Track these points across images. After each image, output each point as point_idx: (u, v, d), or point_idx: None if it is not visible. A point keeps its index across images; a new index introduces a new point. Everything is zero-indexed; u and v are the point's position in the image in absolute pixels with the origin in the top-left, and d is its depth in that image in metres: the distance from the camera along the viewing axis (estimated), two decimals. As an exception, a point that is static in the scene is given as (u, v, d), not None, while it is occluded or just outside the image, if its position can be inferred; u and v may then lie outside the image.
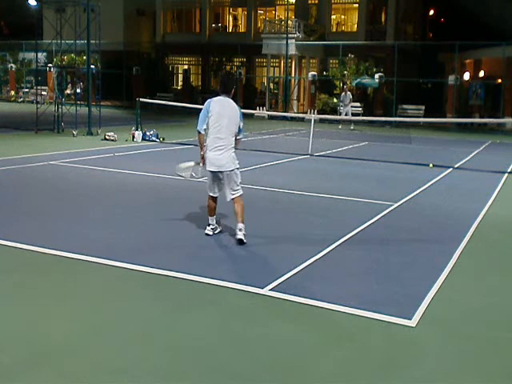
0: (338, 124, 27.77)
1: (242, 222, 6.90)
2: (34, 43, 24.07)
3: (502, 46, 30.42)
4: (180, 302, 5.17)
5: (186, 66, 45.02)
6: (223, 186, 7.10)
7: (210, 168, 7.10)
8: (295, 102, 37.36)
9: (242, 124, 7.11)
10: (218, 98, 7.09)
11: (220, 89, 7.17)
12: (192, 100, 36.33)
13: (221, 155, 6.99)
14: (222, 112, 6.99)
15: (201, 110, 7.42)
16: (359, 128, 26.89)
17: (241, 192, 7.13)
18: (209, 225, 7.33)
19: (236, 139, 7.10)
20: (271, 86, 37.66)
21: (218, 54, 40.97)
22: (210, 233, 7.28)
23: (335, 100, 33.06)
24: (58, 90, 21.29)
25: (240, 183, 7.13)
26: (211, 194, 7.24)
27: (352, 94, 33.09)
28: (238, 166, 7.10)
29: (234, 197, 7.07)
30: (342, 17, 42.52)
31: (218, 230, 7.40)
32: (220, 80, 7.44)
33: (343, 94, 27.37)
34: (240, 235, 6.85)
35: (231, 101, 7.07)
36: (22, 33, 40.84)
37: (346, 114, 26.33)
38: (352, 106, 31.06)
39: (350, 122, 26.85)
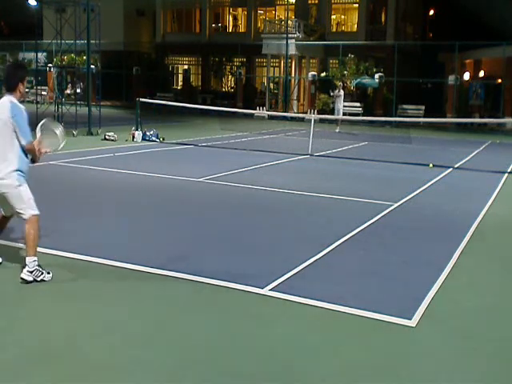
0: (335, 126, 25.94)
1: (30, 255, 5.47)
2: (34, 43, 24.07)
3: (502, 46, 30.43)
4: (180, 301, 5.17)
5: (186, 66, 45.03)
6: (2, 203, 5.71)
7: None
8: (295, 101, 37.36)
9: (18, 126, 5.40)
10: (2, 99, 5.58)
11: (4, 86, 5.61)
12: (192, 100, 36.37)
13: None
14: None
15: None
16: (354, 129, 25.94)
17: (30, 212, 5.54)
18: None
19: (22, 147, 5.48)
20: (271, 85, 37.66)
21: (218, 54, 40.98)
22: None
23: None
24: (58, 89, 21.33)
25: (29, 200, 5.57)
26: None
27: (352, 94, 33.10)
28: (17, 184, 5.45)
29: (21, 216, 5.61)
30: (342, 17, 42.52)
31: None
32: (4, 74, 5.75)
33: (336, 91, 25.82)
34: (24, 274, 5.46)
35: (5, 99, 5.51)
36: (22, 33, 40.81)
37: (337, 113, 24.96)
38: (351, 106, 30.96)
39: (337, 121, 25.41)
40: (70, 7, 21.20)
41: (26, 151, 5.52)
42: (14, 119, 5.39)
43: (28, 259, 5.46)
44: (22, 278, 5.44)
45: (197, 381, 3.84)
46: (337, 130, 25.08)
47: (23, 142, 5.45)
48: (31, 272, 5.45)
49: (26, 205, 5.55)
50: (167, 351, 4.20)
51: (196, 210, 8.84)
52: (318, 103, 33.87)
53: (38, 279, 5.47)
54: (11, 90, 5.53)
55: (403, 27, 41.63)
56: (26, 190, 5.57)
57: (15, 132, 5.42)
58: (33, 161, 5.69)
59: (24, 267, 5.47)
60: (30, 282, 5.43)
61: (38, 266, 5.51)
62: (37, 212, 5.61)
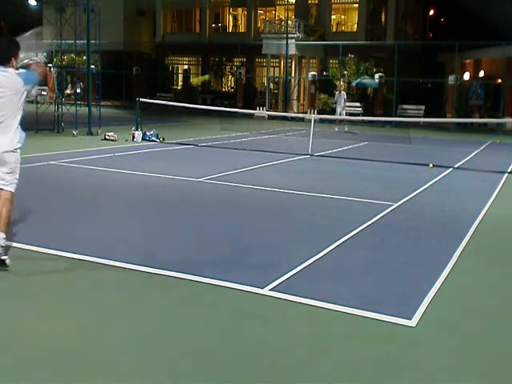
0: (334, 125, 26.42)
1: (3, 231, 5.53)
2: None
3: (502, 46, 30.42)
4: (180, 302, 5.17)
5: (186, 66, 45.06)
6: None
7: None
8: (295, 101, 37.37)
9: (27, 87, 5.75)
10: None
11: None
12: (192, 100, 36.38)
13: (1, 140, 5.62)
14: None
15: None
16: (354, 129, 26.14)
17: (13, 186, 5.68)
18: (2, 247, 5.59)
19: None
20: (271, 86, 37.67)
21: (218, 54, 41.04)
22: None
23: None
24: (58, 89, 21.29)
25: (16, 177, 5.72)
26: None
27: (352, 94, 33.08)
28: (17, 146, 5.66)
29: (2, 187, 5.64)
30: (342, 17, 42.56)
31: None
32: None
33: (337, 93, 26.38)
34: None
35: (10, 71, 5.65)
36: (22, 33, 40.72)
37: (339, 115, 25.39)
38: (351, 106, 30.94)
39: (341, 122, 25.79)
40: (70, 7, 21.19)
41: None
42: (26, 85, 5.69)
43: (2, 235, 5.55)
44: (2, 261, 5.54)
45: (196, 381, 3.84)
46: (336, 129, 25.34)
47: (34, 88, 5.97)
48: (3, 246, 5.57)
49: (16, 180, 5.74)
50: (166, 352, 4.20)
51: (196, 210, 8.83)
52: (318, 103, 33.89)
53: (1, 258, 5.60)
54: (4, 62, 5.62)
55: (403, 27, 41.65)
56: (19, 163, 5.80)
57: (22, 99, 5.69)
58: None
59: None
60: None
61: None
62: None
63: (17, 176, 5.76)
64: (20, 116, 5.74)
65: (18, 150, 5.73)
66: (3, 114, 5.59)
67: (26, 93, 5.76)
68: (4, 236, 5.57)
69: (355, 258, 6.62)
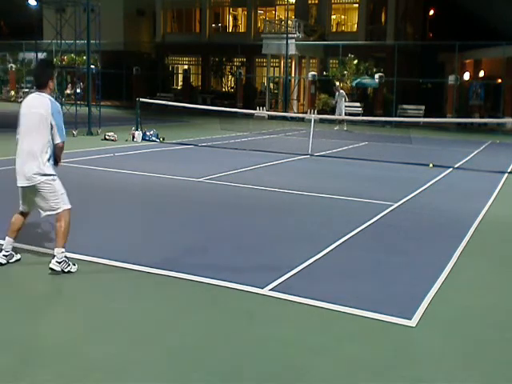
0: (334, 125, 26.51)
1: (59, 247, 5.67)
2: (34, 43, 24.06)
3: (502, 46, 30.42)
4: (180, 302, 5.17)
5: (186, 66, 45.06)
6: (35, 201, 5.79)
7: (18, 182, 5.82)
8: (295, 101, 37.37)
9: (54, 122, 5.58)
10: (31, 95, 5.84)
11: (34, 83, 5.89)
12: (192, 100, 36.38)
13: (25, 165, 5.66)
14: (25, 112, 5.68)
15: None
16: (354, 129, 26.10)
17: (63, 207, 5.77)
18: (1, 250, 5.78)
19: (54, 145, 5.68)
20: (271, 86, 37.67)
21: (218, 54, 41.04)
22: (4, 261, 5.77)
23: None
24: (58, 89, 21.29)
25: (62, 194, 5.80)
26: (20, 209, 5.92)
27: (352, 94, 33.07)
28: (49, 177, 5.67)
29: (52, 213, 5.81)
30: (342, 17, 42.55)
31: (15, 258, 5.91)
32: (33, 72, 6.04)
33: (336, 93, 26.42)
34: (52, 264, 5.61)
35: (43, 95, 5.65)
36: (22, 33, 40.80)
37: (339, 114, 25.39)
38: (351, 106, 30.94)
39: (342, 121, 25.82)
40: (70, 7, 21.20)
41: (56, 149, 5.71)
42: (54, 116, 5.57)
43: (57, 250, 5.62)
44: (51, 268, 5.57)
45: (196, 381, 3.84)
46: (336, 128, 25.43)
47: (58, 140, 5.65)
48: (59, 262, 5.60)
49: (60, 199, 5.75)
50: (167, 351, 4.20)
51: (196, 210, 8.83)
52: (318, 103, 33.88)
53: (66, 270, 5.62)
54: (42, 86, 5.68)
55: (403, 27, 41.63)
56: (59, 184, 5.77)
57: (51, 129, 5.59)
58: (56, 161, 5.86)
59: (53, 258, 5.63)
60: (58, 272, 5.59)
61: (66, 257, 5.67)
62: (69, 206, 5.85)
63: (56, 194, 5.72)
64: (49, 145, 5.63)
65: (50, 177, 5.66)
66: (31, 138, 5.61)
67: (51, 124, 5.59)
68: (60, 250, 5.67)
69: (355, 258, 6.62)
